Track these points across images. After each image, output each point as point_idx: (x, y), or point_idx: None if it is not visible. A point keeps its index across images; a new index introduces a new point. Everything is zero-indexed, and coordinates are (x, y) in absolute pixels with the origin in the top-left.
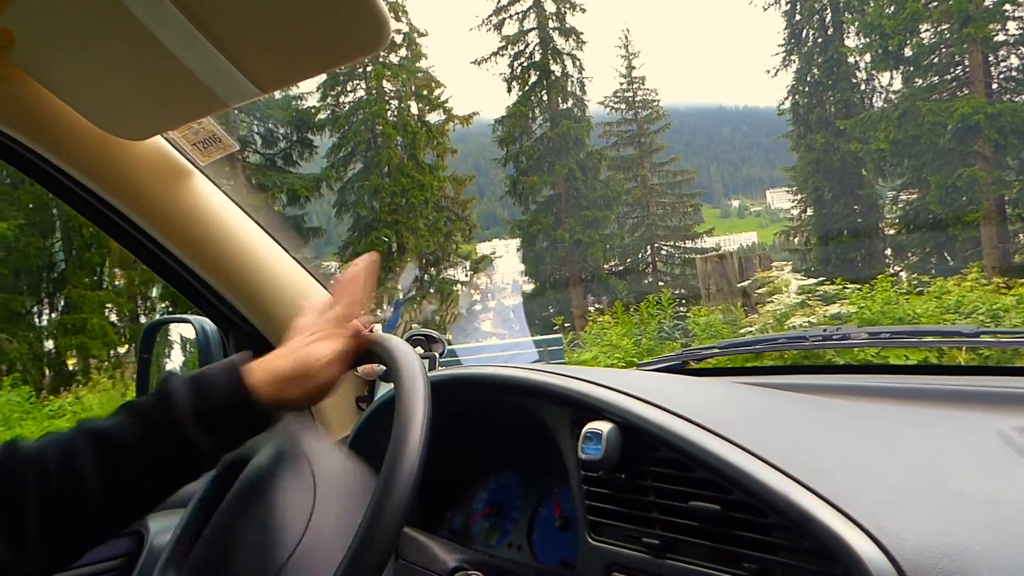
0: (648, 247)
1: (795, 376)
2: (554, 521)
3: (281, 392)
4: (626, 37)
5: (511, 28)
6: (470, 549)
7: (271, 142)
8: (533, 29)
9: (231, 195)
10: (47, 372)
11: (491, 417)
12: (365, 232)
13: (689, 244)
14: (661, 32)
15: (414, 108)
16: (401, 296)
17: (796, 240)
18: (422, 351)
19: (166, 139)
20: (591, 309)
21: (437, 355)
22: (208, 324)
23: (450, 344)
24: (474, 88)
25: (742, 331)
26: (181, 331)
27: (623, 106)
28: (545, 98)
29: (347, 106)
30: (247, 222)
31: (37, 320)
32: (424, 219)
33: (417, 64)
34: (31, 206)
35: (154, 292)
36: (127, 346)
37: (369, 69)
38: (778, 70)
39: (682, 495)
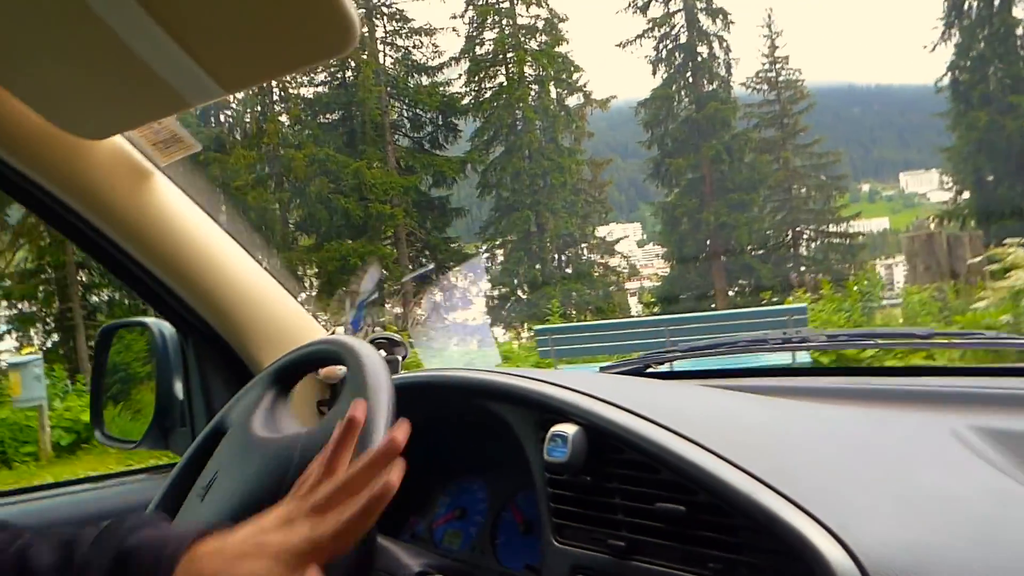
0: (790, 230)
1: (756, 378)
2: (517, 525)
3: None
4: (769, 16)
5: (656, 11)
6: (434, 554)
7: (419, 126)
8: (679, 11)
9: (193, 196)
10: None
11: (454, 421)
12: (506, 213)
13: (832, 228)
14: (792, 9)
15: (553, 92)
16: (364, 298)
17: (950, 225)
18: (384, 354)
19: (126, 139)
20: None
21: (400, 358)
22: (167, 327)
23: (412, 347)
24: (609, 72)
25: (972, 307)
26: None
27: (765, 87)
28: (691, 80)
29: (490, 91)
30: (208, 224)
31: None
32: (562, 201)
33: (556, 49)
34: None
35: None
36: None
37: (511, 55)
38: (936, 45)
39: (648, 497)
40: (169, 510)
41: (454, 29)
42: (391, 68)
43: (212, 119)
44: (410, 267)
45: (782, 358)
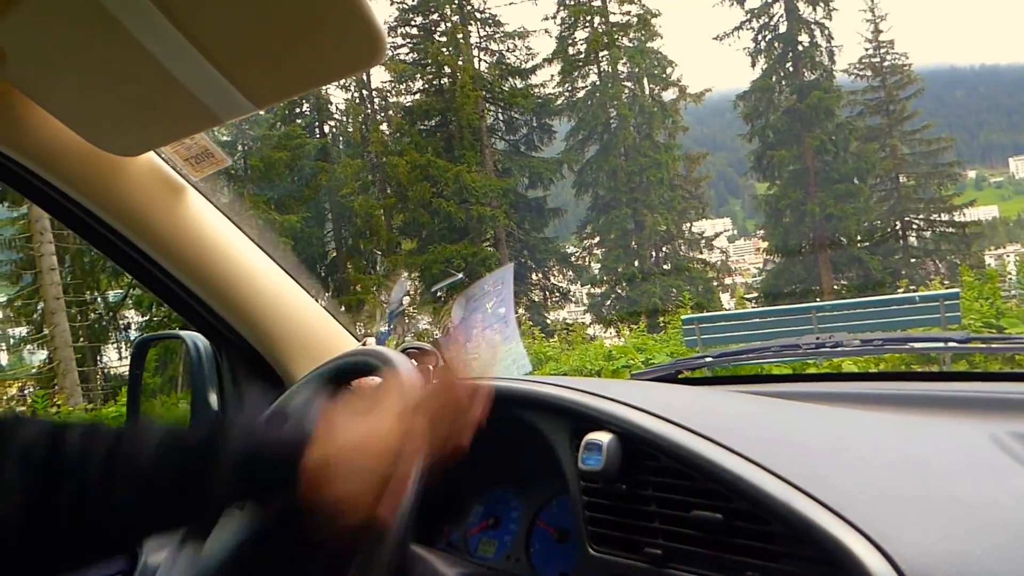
0: (898, 221)
1: (789, 384)
2: (551, 534)
3: (333, 486)
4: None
5: (754, 1)
6: (469, 563)
7: (514, 128)
8: (778, 0)
9: (224, 210)
10: None
11: (487, 430)
12: (603, 211)
13: (944, 217)
14: None
15: (647, 88)
16: (393, 309)
17: None
18: (415, 363)
19: (158, 155)
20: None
21: (431, 367)
22: (201, 340)
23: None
24: (701, 64)
25: None
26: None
27: (869, 73)
28: (792, 69)
29: (583, 91)
30: (240, 238)
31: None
32: (659, 197)
33: (650, 45)
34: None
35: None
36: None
37: (603, 53)
38: None
39: (684, 504)
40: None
41: (546, 31)
42: (486, 73)
43: (318, 130)
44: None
45: None
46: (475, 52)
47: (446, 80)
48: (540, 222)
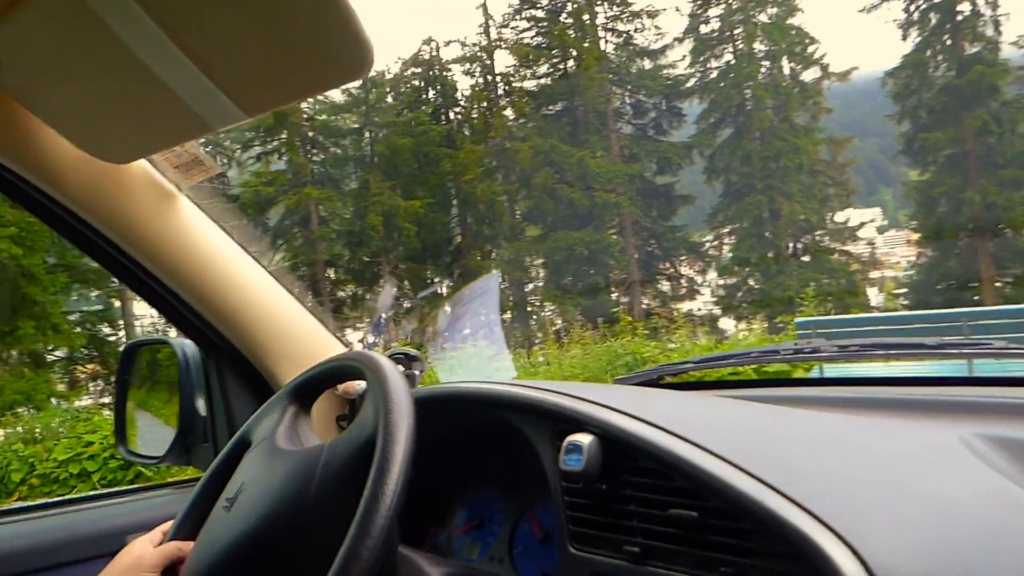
0: None
1: (768, 389)
2: (535, 535)
3: None
4: None
5: None
6: (453, 564)
7: (642, 112)
8: None
9: (214, 218)
10: None
11: (472, 433)
12: (736, 199)
13: None
14: None
15: (786, 68)
16: (382, 315)
17: None
18: (402, 369)
19: (149, 162)
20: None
21: (417, 373)
22: (189, 346)
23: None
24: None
25: None
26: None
27: None
28: (949, 42)
29: (716, 71)
30: (229, 244)
31: (439, 289)
32: (798, 184)
33: (789, 21)
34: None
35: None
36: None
37: (738, 31)
38: None
39: (661, 503)
40: (195, 522)
41: (677, 8)
42: (613, 54)
43: (443, 117)
44: (636, 256)
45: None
46: (601, 33)
47: (571, 63)
48: (668, 209)
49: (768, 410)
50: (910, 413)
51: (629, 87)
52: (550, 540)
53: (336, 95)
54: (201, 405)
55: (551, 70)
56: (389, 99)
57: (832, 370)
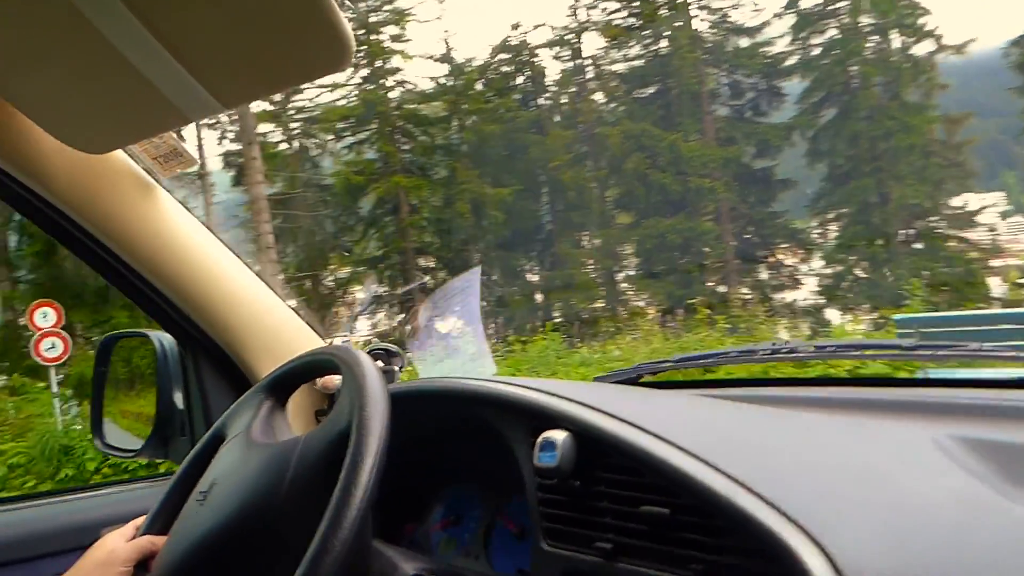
0: None
1: (745, 388)
2: (511, 531)
3: None
4: None
5: None
6: (429, 559)
7: (739, 93)
8: None
9: (191, 209)
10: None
11: (449, 429)
12: (842, 182)
13: None
14: None
15: (896, 42)
16: (361, 309)
17: None
18: (382, 364)
19: (127, 153)
20: None
21: (397, 368)
22: (167, 339)
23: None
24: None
25: None
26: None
27: None
28: None
29: (819, 48)
30: (208, 237)
31: (529, 276)
32: (910, 166)
33: None
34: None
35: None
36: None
37: (843, 4)
38: None
39: (633, 500)
40: (168, 515)
41: None
42: (707, 33)
43: (531, 103)
44: (733, 243)
45: None
46: (695, 11)
47: (664, 43)
48: (767, 195)
49: (743, 409)
50: (884, 413)
51: (725, 67)
52: (526, 536)
53: (424, 83)
54: (179, 398)
55: (642, 51)
56: (478, 86)
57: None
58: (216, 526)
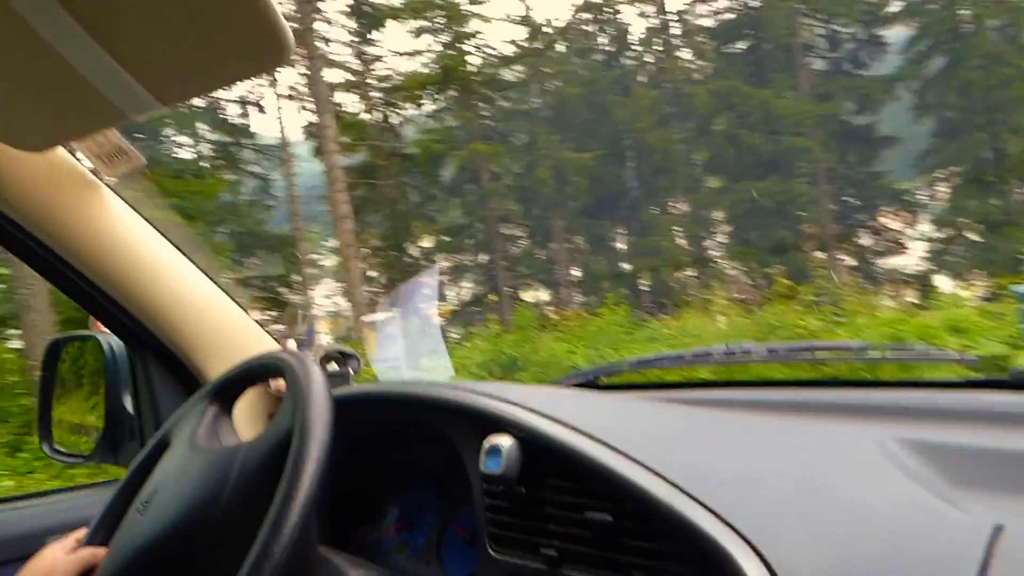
0: None
1: (700, 391)
2: (462, 536)
3: None
4: None
5: None
6: (378, 565)
7: (836, 44)
8: None
9: (138, 209)
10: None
11: (401, 433)
12: (951, 137)
13: None
14: None
15: None
16: (312, 312)
17: None
18: (336, 367)
19: (70, 152)
20: None
21: (352, 371)
22: (115, 341)
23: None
24: None
25: None
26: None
27: None
28: None
29: None
30: (156, 237)
31: (613, 243)
32: None
33: None
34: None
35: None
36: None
37: None
38: None
39: (578, 506)
40: (111, 525)
41: None
42: None
43: (614, 63)
44: (832, 207)
45: None
46: None
47: None
48: (868, 153)
49: (690, 412)
50: (834, 416)
51: (821, 17)
52: (476, 542)
53: (505, 48)
54: (128, 402)
55: (731, 3)
56: (558, 48)
57: None
58: (157, 535)
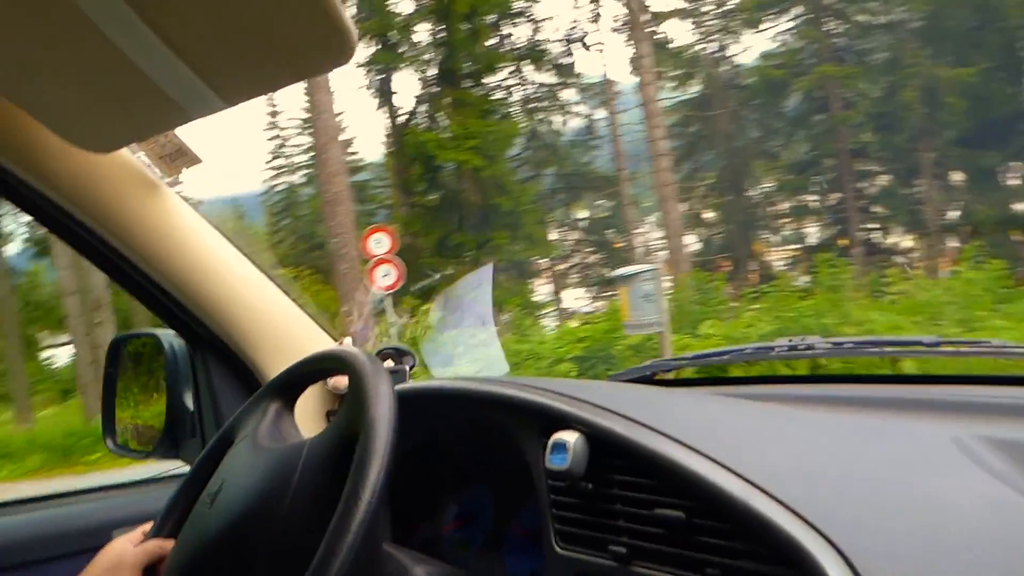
0: None
1: (762, 386)
2: (523, 533)
3: None
4: None
5: None
6: (440, 561)
7: None
8: None
9: (197, 209)
10: None
11: (461, 429)
12: None
13: None
14: None
15: None
16: (370, 308)
17: None
18: (392, 364)
19: (133, 152)
20: None
21: (407, 368)
22: (176, 340)
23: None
24: None
25: None
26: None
27: None
28: None
29: None
30: (215, 236)
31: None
32: None
33: None
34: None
35: None
36: None
37: None
38: None
39: (648, 503)
40: (177, 519)
41: None
42: None
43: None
44: None
45: None
46: None
47: None
48: None
49: (760, 408)
50: (905, 411)
51: None
52: (539, 539)
53: None
54: (189, 399)
55: None
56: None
57: None
58: (223, 530)
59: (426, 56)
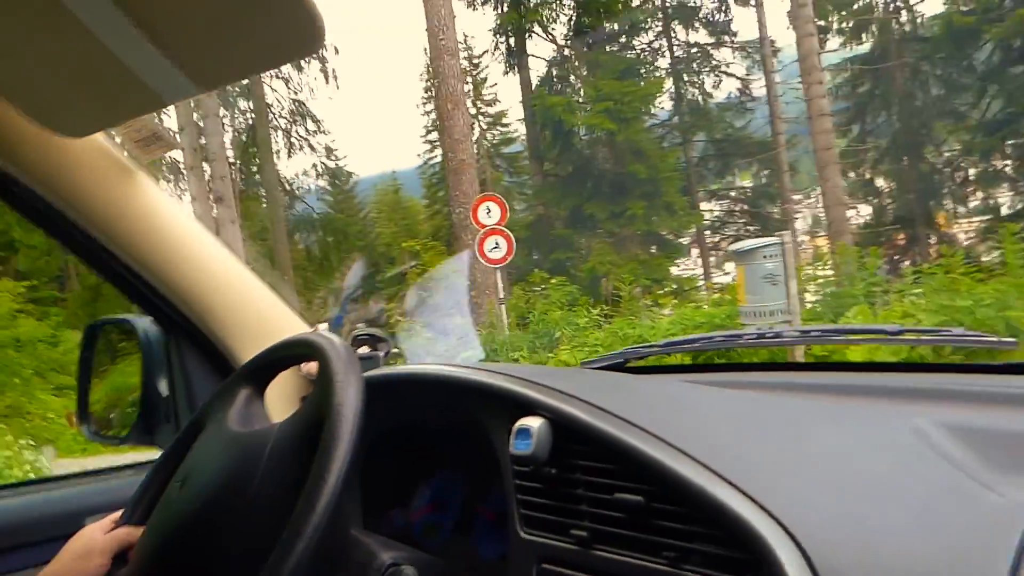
0: None
1: (730, 373)
2: (491, 517)
3: None
4: None
5: None
6: (410, 546)
7: None
8: None
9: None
10: None
11: (432, 416)
12: None
13: None
14: None
15: None
16: (348, 294)
17: None
18: (367, 351)
19: (107, 137)
20: None
21: (382, 355)
22: (151, 325)
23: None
24: None
25: None
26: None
27: None
28: None
29: None
30: (190, 222)
31: None
32: None
33: None
34: None
35: None
36: None
37: None
38: None
39: (608, 488)
40: (147, 505)
41: None
42: None
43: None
44: None
45: None
46: None
47: None
48: None
49: (723, 395)
50: (868, 398)
51: None
52: (505, 523)
53: None
54: (163, 385)
55: None
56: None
57: None
58: (191, 515)
59: (559, 15)
